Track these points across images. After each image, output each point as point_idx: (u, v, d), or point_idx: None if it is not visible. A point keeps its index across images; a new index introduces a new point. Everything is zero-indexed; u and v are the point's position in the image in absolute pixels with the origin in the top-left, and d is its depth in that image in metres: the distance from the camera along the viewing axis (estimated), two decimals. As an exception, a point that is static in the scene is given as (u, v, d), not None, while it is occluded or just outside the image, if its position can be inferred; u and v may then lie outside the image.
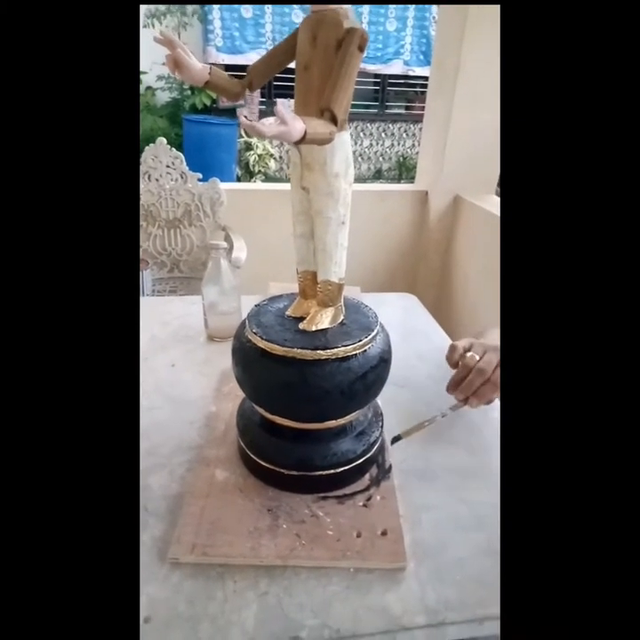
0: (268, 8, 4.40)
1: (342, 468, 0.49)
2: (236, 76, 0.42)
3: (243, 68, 0.53)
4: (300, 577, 0.42)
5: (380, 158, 5.39)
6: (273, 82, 4.52)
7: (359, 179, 5.03)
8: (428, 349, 0.80)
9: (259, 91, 4.19)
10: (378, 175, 5.40)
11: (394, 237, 1.86)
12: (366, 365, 0.45)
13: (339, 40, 0.36)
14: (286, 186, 0.45)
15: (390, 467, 0.54)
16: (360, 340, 0.46)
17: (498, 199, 1.63)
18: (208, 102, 4.42)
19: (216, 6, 4.30)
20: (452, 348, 0.62)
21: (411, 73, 4.91)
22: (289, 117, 0.31)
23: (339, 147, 0.40)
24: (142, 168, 1.44)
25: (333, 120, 0.36)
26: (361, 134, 5.23)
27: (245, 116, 0.29)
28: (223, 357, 0.67)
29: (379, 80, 5.04)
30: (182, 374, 0.72)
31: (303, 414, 0.48)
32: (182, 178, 1.48)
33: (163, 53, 0.38)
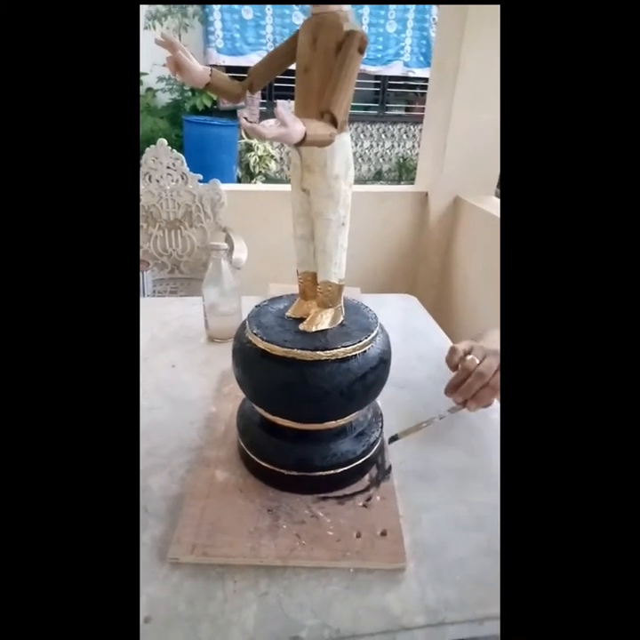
0: (269, 10, 4.40)
1: (342, 469, 0.50)
2: (236, 78, 0.42)
3: (243, 69, 0.53)
4: (300, 577, 0.42)
5: (380, 159, 5.39)
6: (273, 83, 4.52)
7: (359, 180, 5.04)
8: (428, 350, 0.80)
9: (259, 92, 4.19)
10: (378, 176, 5.40)
11: (394, 238, 1.86)
12: (366, 366, 0.45)
13: (339, 43, 0.36)
14: (287, 187, 0.45)
15: (390, 467, 0.54)
16: (360, 341, 0.46)
17: (498, 200, 1.63)
18: (209, 104, 4.42)
19: (217, 8, 4.30)
20: (452, 351, 0.62)
21: (411, 74, 4.92)
22: (289, 119, 0.31)
23: (339, 148, 0.40)
24: (143, 169, 1.45)
25: (333, 122, 0.36)
26: (361, 136, 5.23)
27: (246, 118, 0.30)
28: (223, 358, 0.67)
29: (379, 81, 5.05)
30: (182, 375, 0.72)
31: (303, 415, 0.48)
32: (183, 179, 1.48)
33: (163, 55, 0.38)
